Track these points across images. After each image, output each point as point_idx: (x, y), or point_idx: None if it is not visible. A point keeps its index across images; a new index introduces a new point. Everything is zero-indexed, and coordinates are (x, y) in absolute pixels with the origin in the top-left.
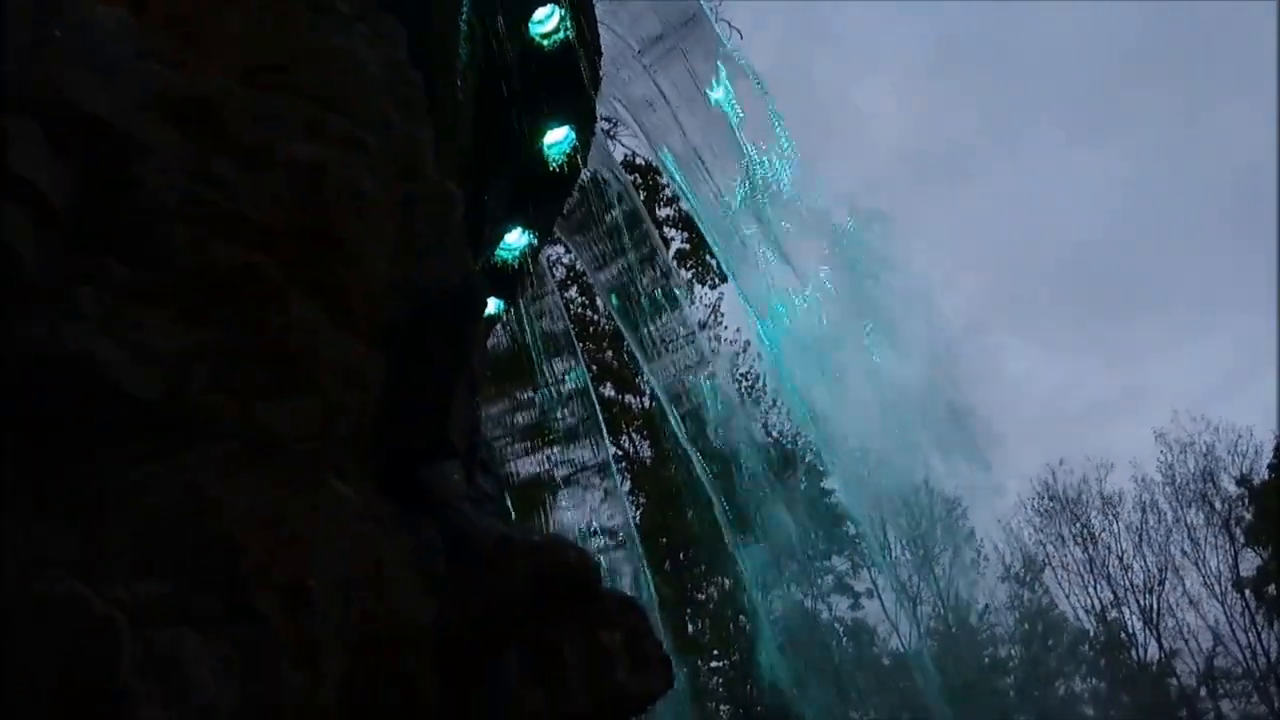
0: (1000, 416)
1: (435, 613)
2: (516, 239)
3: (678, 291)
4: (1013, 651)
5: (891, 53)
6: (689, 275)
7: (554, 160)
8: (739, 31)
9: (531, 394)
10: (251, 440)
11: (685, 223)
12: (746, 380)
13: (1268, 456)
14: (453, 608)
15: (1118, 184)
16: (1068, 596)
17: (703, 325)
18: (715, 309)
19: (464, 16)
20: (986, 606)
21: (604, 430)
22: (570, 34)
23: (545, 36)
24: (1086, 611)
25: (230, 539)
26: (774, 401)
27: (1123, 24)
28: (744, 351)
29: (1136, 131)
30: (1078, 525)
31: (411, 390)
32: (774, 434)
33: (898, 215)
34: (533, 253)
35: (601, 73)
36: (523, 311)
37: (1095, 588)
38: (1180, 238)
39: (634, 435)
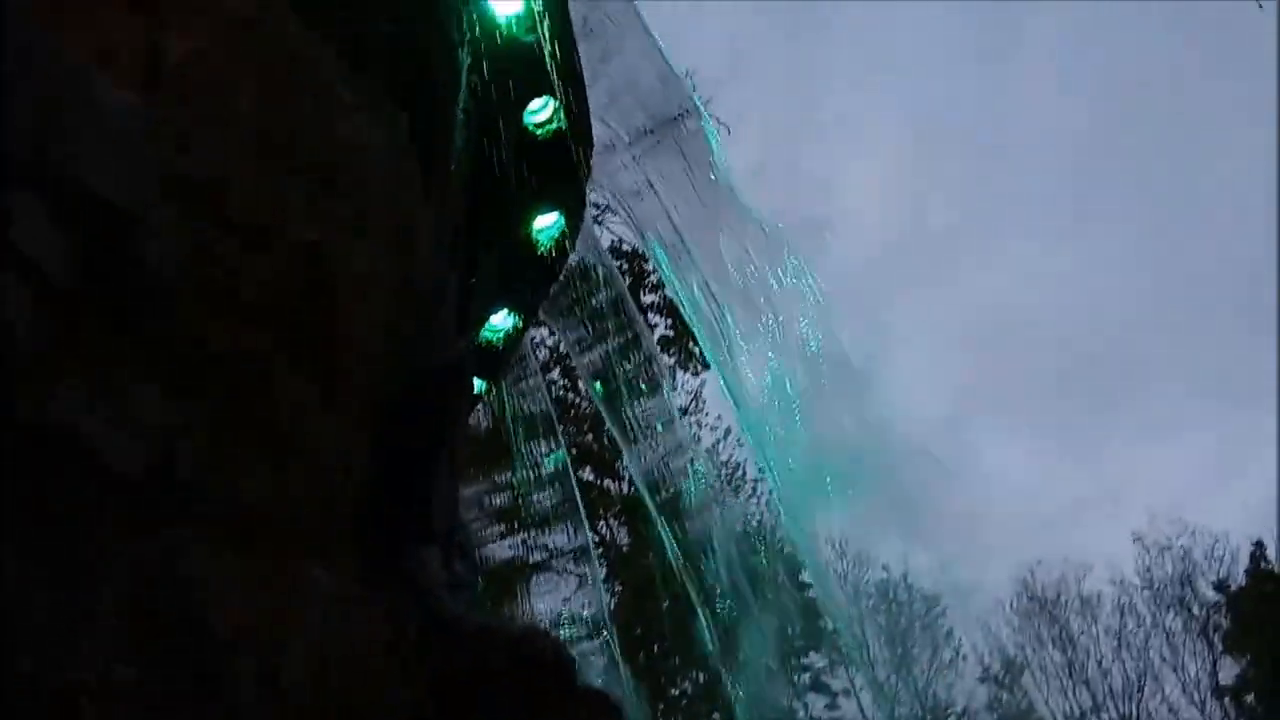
0: (979, 512)
1: (410, 700)
2: (502, 320)
3: (660, 378)
4: None
5: (877, 143)
6: (672, 361)
7: (543, 244)
8: (727, 127)
9: (509, 476)
10: (236, 518)
11: (669, 309)
12: (727, 468)
13: (1244, 562)
14: (428, 695)
15: (1098, 275)
16: (1046, 701)
17: (684, 411)
18: (697, 395)
19: (461, 104)
20: (965, 709)
21: (583, 515)
22: (563, 124)
23: (539, 126)
24: (1066, 717)
25: (206, 617)
26: (753, 490)
27: (1101, 110)
28: (725, 439)
29: (1116, 223)
30: (1056, 627)
31: (395, 471)
32: (753, 523)
33: (878, 306)
34: (518, 334)
35: (592, 162)
36: (504, 392)
37: (1074, 692)
38: (1160, 331)
39: (612, 521)
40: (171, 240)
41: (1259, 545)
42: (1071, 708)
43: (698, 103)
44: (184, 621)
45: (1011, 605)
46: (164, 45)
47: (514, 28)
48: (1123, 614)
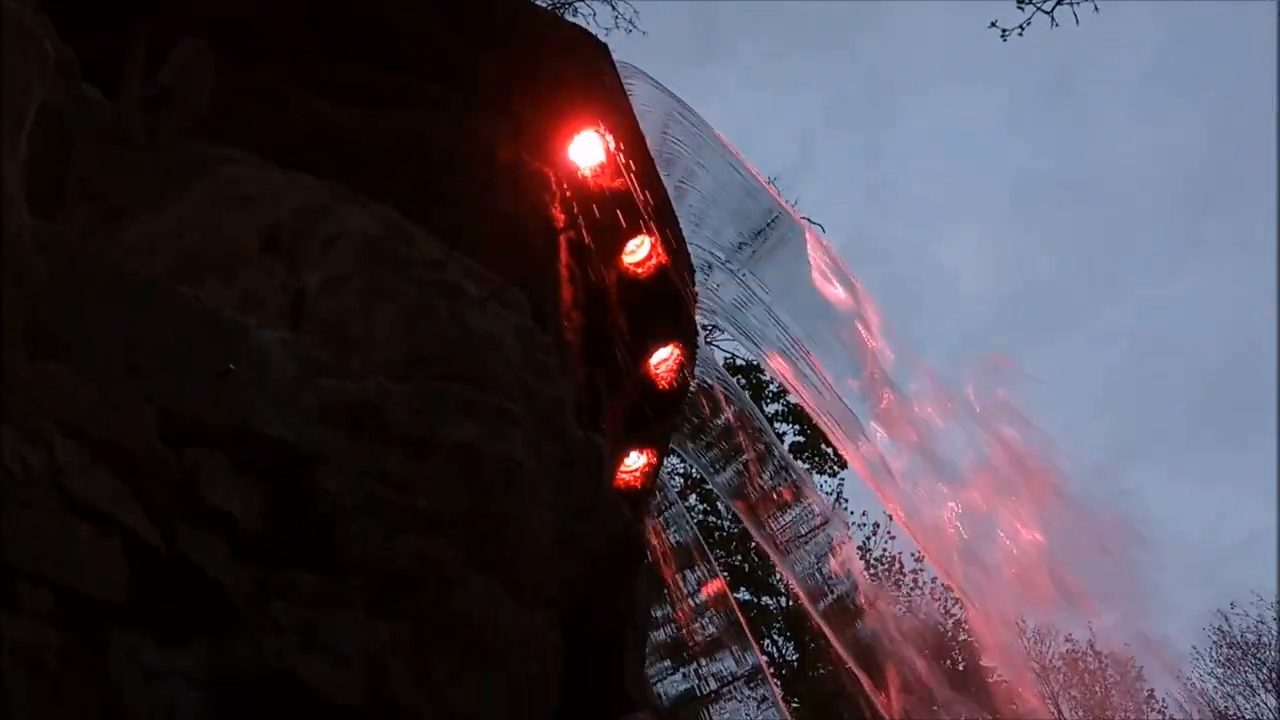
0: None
1: None
2: (634, 460)
3: (800, 481)
4: None
5: (966, 204)
6: (806, 467)
7: (663, 378)
8: (821, 226)
9: (669, 609)
10: None
11: (795, 416)
12: (882, 563)
13: None
14: None
15: (1220, 296)
16: None
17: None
18: (837, 496)
19: (560, 263)
20: None
21: (748, 635)
22: (662, 259)
23: (639, 265)
24: None
25: None
26: (914, 582)
27: (1189, 137)
28: (874, 535)
29: (1226, 237)
30: (1265, 670)
31: (586, 647)
32: (920, 615)
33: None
34: (653, 470)
35: (695, 286)
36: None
37: None
38: None
39: (776, 638)
40: (341, 464)
41: None
42: None
43: (786, 205)
44: None
45: (1211, 655)
46: (302, 280)
47: (599, 176)
48: None
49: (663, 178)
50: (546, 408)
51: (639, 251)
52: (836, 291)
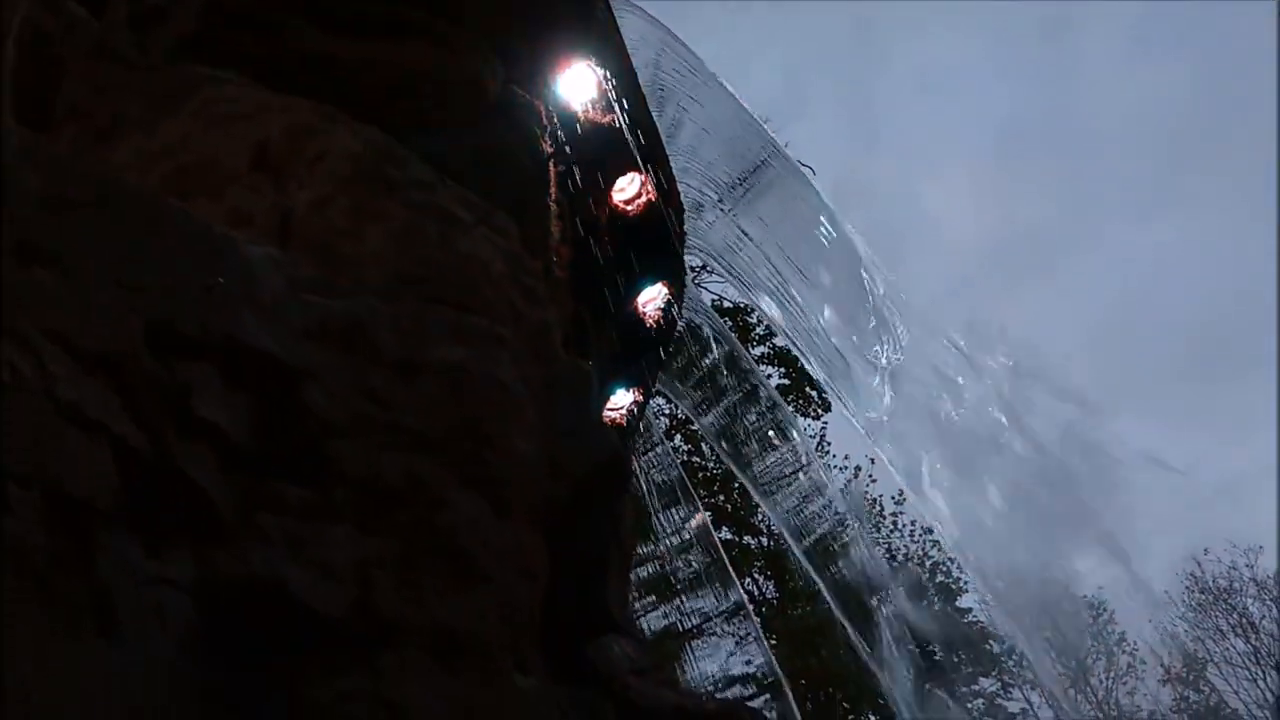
0: (1132, 505)
1: None
2: (621, 398)
3: (785, 423)
4: None
5: (953, 149)
6: (790, 410)
7: (650, 317)
8: (811, 169)
9: (651, 547)
10: (434, 642)
11: (780, 359)
12: (865, 503)
13: None
14: None
15: (1203, 242)
16: (1236, 692)
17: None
18: (820, 439)
19: (551, 195)
20: (1152, 714)
21: (731, 573)
22: (652, 196)
23: (629, 203)
24: (1259, 705)
25: None
26: (894, 524)
27: (1176, 74)
28: (856, 477)
29: (1210, 185)
30: (1235, 616)
31: (570, 569)
32: (899, 557)
33: (987, 310)
34: (639, 409)
35: (685, 225)
36: (635, 467)
37: (1265, 679)
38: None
39: (756, 577)
40: (330, 383)
41: None
42: (1263, 694)
43: (780, 146)
44: None
45: (1184, 600)
46: (290, 199)
47: (590, 111)
48: None
49: (654, 114)
50: (534, 332)
51: (629, 188)
52: (827, 234)
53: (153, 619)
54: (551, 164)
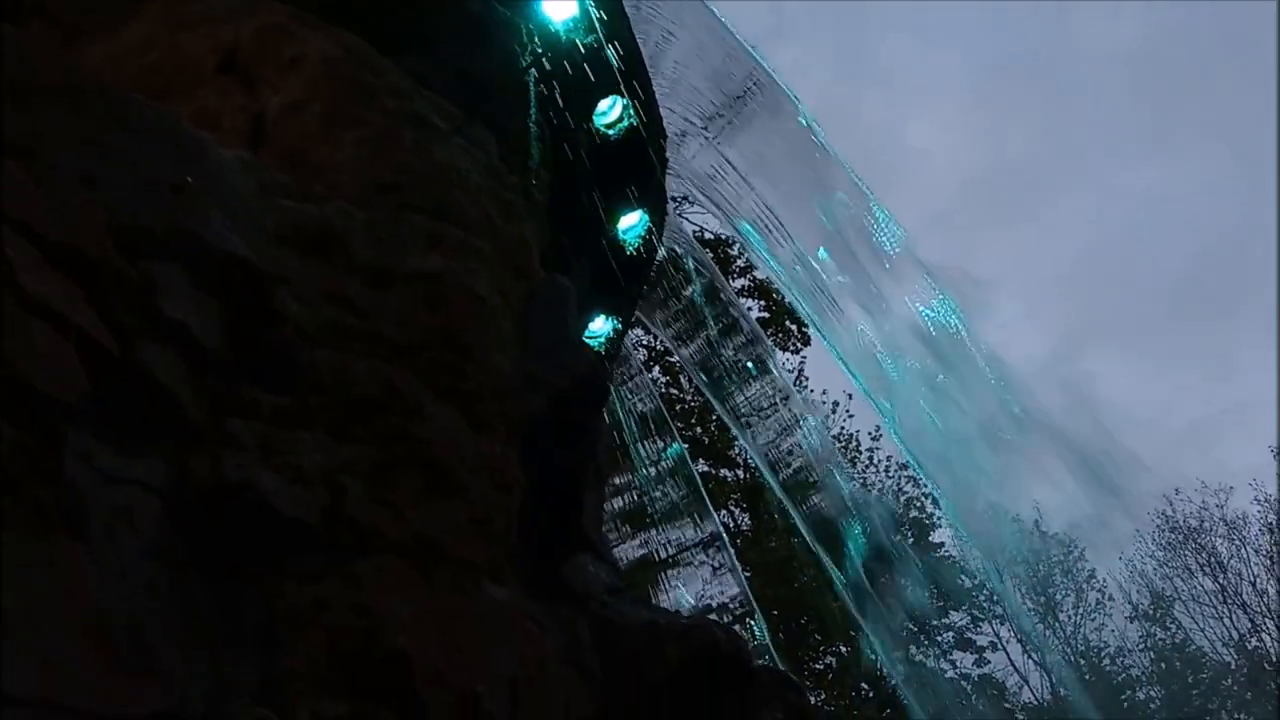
0: (1103, 445)
1: (592, 706)
2: (600, 326)
3: (765, 356)
4: (1152, 693)
5: (939, 83)
6: (770, 342)
7: (630, 245)
8: (797, 98)
9: (628, 477)
10: (409, 551)
11: (760, 292)
12: (840, 440)
13: None
14: (608, 700)
15: (1188, 182)
16: (1202, 630)
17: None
18: (799, 374)
19: (532, 117)
20: (1118, 649)
21: (709, 504)
22: (634, 121)
23: (610, 126)
24: (1224, 644)
25: (402, 653)
26: (870, 459)
27: (1166, 24)
28: (834, 412)
29: (1195, 125)
30: (1204, 555)
31: (545, 485)
32: (874, 491)
33: (970, 247)
34: (618, 337)
35: (667, 153)
36: (613, 396)
37: (1231, 618)
38: (1263, 232)
39: (732, 509)
40: (302, 288)
41: None
42: (1228, 633)
43: (768, 72)
44: (381, 660)
45: (1153, 538)
46: (261, 103)
47: (572, 32)
48: (1272, 532)
49: (637, 37)
50: (511, 245)
51: (610, 112)
52: (811, 164)
53: (122, 519)
54: (532, 84)
